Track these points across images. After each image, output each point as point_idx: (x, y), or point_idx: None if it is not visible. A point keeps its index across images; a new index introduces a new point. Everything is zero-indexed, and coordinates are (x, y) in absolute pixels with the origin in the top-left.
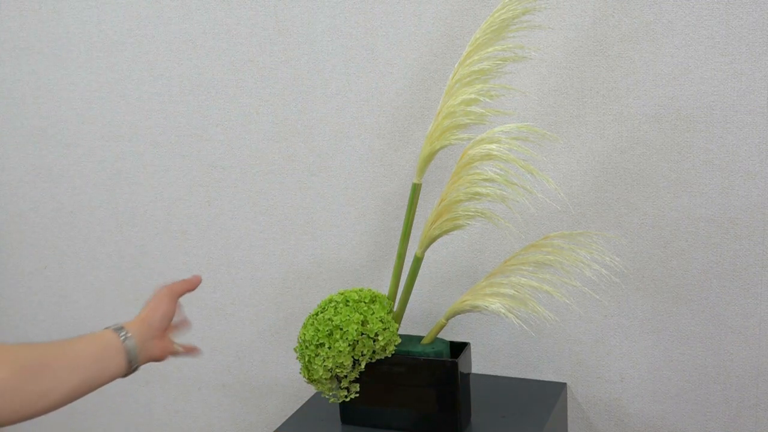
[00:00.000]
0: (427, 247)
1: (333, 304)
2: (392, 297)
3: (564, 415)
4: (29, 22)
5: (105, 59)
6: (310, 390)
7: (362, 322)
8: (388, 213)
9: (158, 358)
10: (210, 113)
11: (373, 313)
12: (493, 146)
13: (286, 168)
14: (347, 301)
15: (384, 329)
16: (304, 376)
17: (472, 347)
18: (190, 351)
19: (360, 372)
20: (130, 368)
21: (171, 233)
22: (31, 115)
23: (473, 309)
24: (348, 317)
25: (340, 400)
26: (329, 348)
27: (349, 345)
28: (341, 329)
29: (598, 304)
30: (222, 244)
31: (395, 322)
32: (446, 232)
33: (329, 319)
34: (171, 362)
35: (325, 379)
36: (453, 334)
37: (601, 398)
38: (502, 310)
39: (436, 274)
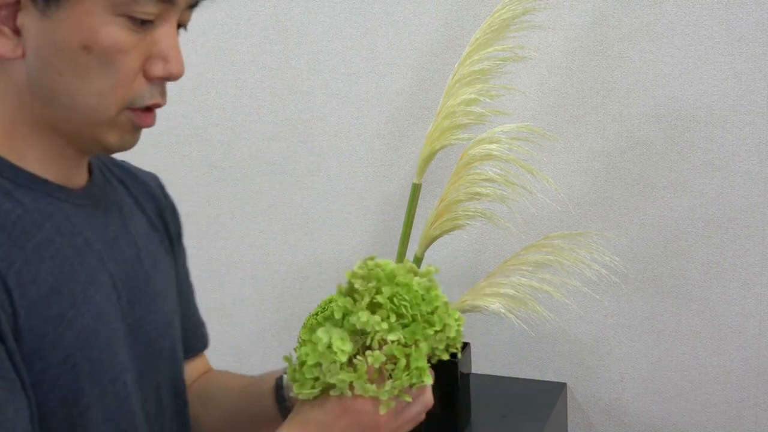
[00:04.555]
0: (427, 247)
1: (333, 304)
2: None
3: (564, 415)
4: None
5: None
6: None
7: None
8: (388, 213)
9: None
10: (210, 113)
11: None
12: (493, 146)
13: (286, 168)
14: None
15: None
16: None
17: (472, 347)
18: None
19: None
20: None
21: None
22: None
23: (473, 309)
24: None
25: None
26: None
27: None
28: None
29: (598, 304)
30: (222, 244)
31: None
32: (446, 232)
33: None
34: None
35: None
36: None
37: (601, 398)
38: (502, 310)
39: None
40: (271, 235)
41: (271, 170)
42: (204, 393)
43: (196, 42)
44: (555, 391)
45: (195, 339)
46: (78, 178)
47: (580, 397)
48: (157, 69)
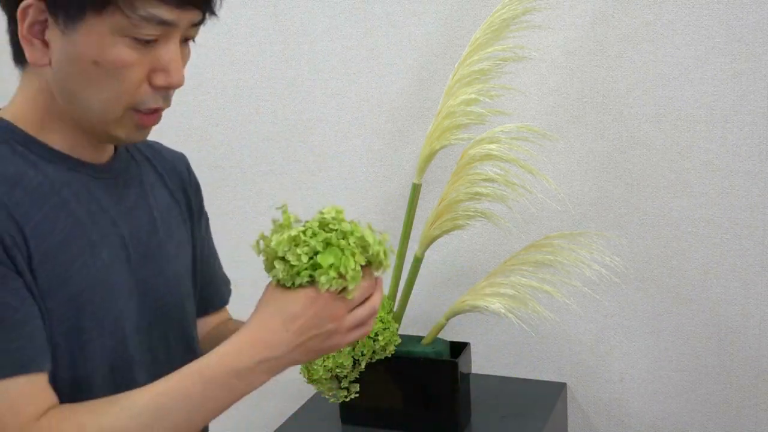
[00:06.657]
0: (427, 247)
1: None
2: (392, 297)
3: (564, 415)
4: None
5: None
6: (310, 390)
7: None
8: (388, 213)
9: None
10: (210, 113)
11: None
12: (493, 146)
13: (286, 168)
14: None
15: (384, 329)
16: (304, 376)
17: (472, 347)
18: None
19: (360, 372)
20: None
21: None
22: None
23: (473, 309)
24: None
25: (340, 400)
26: None
27: (349, 345)
28: None
29: (598, 304)
30: (222, 244)
31: (395, 322)
32: (446, 232)
33: None
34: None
35: (325, 379)
36: (453, 334)
37: (601, 398)
38: (502, 310)
39: (436, 274)
40: None
41: (271, 170)
42: (215, 338)
43: (196, 42)
44: (555, 391)
45: (215, 297)
46: (100, 156)
47: (580, 397)
48: (160, 79)
